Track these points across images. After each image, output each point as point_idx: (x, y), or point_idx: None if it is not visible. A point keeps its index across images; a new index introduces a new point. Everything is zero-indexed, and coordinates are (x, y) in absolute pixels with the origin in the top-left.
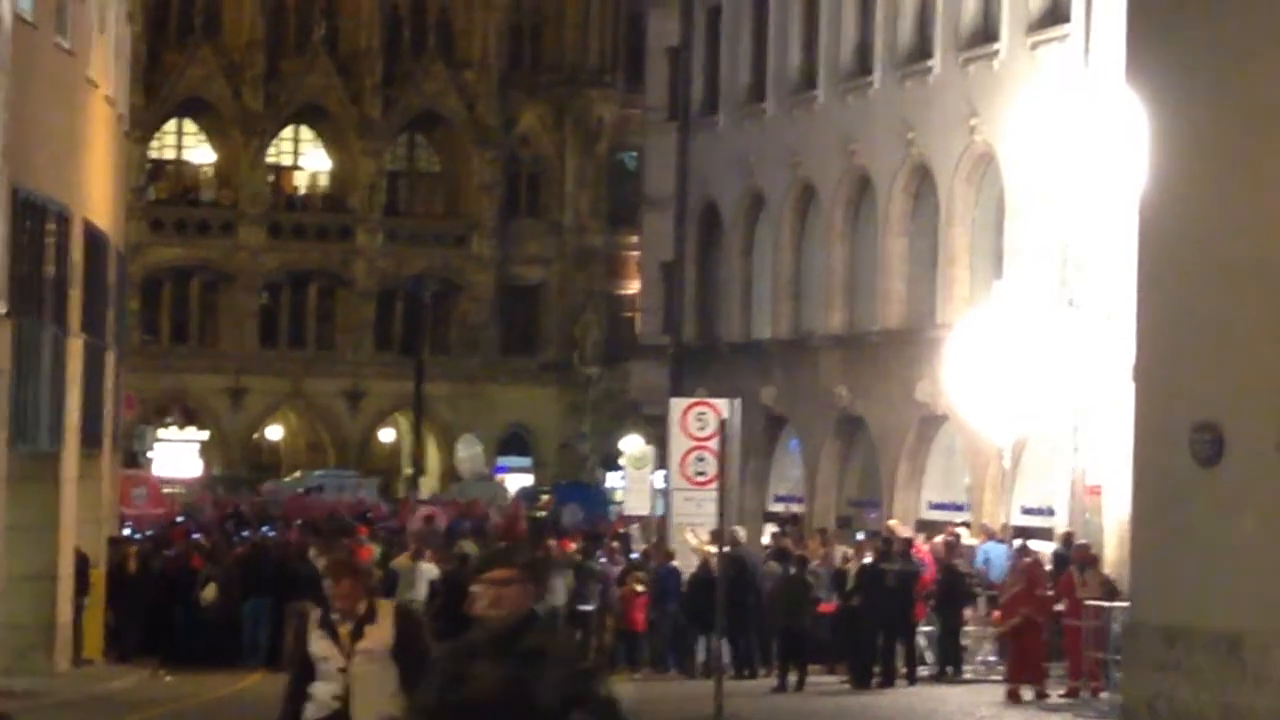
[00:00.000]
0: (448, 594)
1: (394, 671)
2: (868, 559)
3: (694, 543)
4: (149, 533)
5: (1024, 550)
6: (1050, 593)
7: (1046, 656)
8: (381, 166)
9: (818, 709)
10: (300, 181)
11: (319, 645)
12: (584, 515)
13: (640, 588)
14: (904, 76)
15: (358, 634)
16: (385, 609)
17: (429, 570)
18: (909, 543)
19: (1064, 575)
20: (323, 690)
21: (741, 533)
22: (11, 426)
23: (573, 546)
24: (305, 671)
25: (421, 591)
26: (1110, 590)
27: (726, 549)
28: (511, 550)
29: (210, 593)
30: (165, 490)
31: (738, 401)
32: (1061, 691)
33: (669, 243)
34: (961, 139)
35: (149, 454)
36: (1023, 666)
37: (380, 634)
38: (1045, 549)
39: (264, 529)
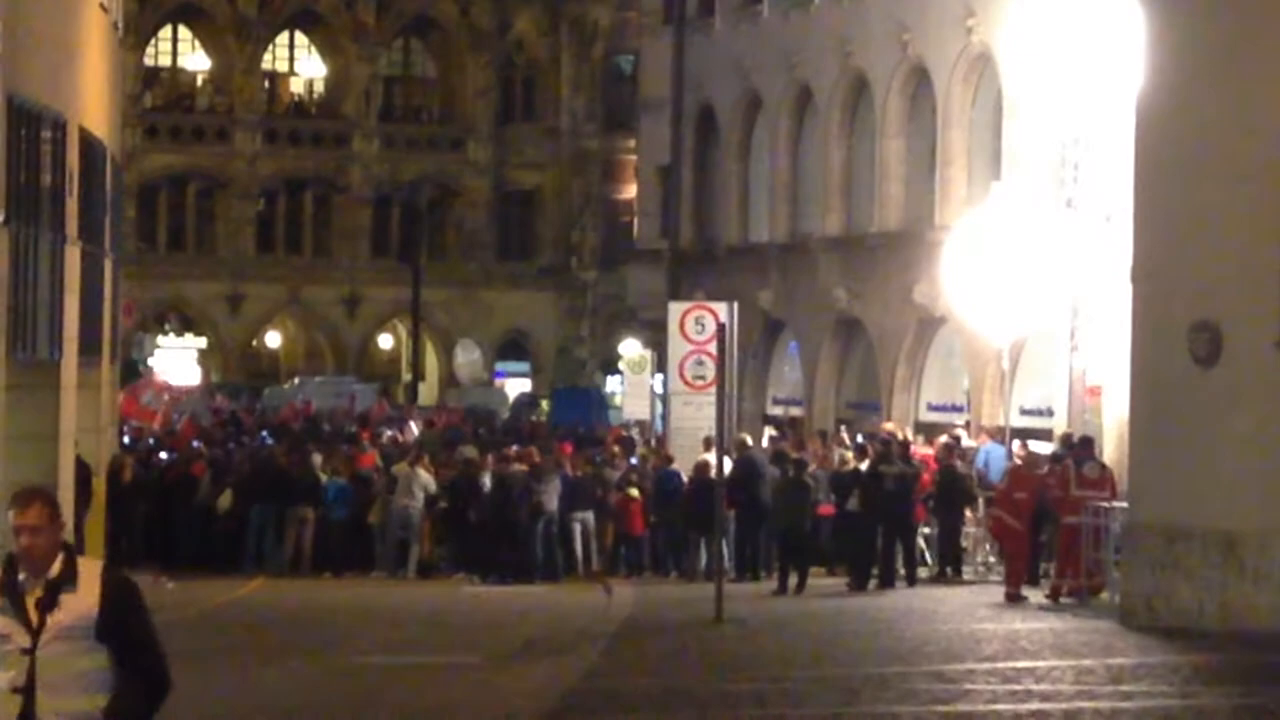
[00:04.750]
0: (452, 500)
1: (100, 656)
2: (865, 463)
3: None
4: (151, 441)
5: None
6: (1022, 495)
7: (1028, 557)
8: (377, 72)
9: (817, 611)
10: (295, 88)
11: None
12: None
13: (635, 493)
14: None
15: (50, 603)
16: (90, 571)
17: (425, 479)
18: (907, 445)
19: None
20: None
21: (749, 437)
22: (10, 335)
23: (570, 451)
24: None
25: (419, 498)
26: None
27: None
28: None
29: (226, 500)
30: (166, 397)
31: (735, 305)
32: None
33: (665, 146)
34: (958, 39)
35: (148, 362)
36: (1009, 567)
37: (81, 605)
38: (1044, 449)
39: (262, 435)
